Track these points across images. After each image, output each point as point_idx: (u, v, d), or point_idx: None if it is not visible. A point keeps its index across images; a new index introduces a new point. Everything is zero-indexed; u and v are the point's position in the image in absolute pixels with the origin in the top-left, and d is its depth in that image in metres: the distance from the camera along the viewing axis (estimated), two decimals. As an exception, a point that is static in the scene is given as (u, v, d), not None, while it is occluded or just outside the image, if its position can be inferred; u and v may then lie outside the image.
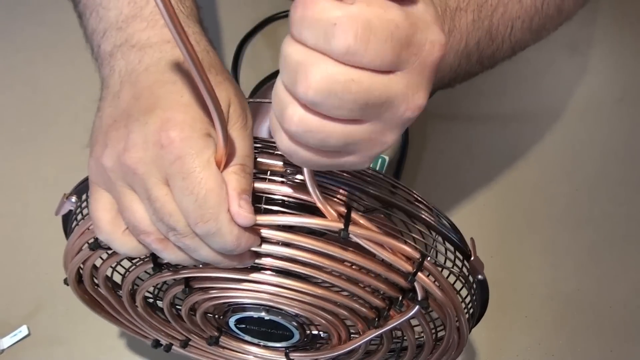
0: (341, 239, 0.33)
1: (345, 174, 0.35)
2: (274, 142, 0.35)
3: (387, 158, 0.70)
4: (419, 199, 0.37)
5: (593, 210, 0.69)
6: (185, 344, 0.49)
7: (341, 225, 0.32)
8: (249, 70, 0.75)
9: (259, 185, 0.33)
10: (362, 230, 0.33)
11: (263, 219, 0.32)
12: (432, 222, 0.36)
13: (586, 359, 0.61)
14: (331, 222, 0.32)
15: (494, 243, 0.66)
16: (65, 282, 0.44)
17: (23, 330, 0.60)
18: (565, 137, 0.73)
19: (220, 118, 0.29)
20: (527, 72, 0.77)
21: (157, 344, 0.51)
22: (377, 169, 0.70)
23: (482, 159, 0.71)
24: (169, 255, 0.33)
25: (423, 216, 0.36)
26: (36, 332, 0.60)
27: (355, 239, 0.33)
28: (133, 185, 0.32)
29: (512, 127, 0.74)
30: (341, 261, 0.35)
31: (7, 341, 0.59)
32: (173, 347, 0.51)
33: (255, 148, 0.34)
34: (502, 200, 0.69)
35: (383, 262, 0.35)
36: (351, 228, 0.32)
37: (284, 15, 0.78)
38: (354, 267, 0.36)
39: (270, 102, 0.26)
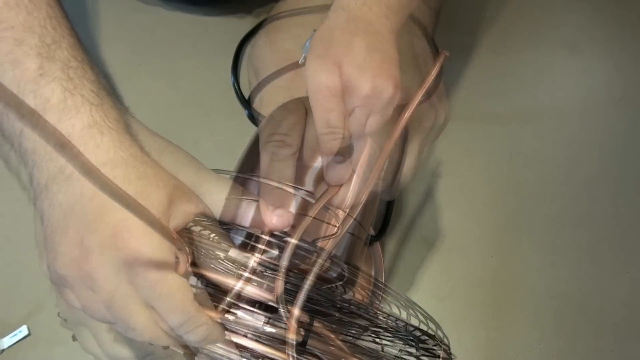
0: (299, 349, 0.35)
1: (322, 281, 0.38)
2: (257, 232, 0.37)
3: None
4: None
5: (593, 210, 0.69)
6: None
7: (299, 339, 0.35)
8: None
9: (231, 281, 0.35)
10: (320, 345, 0.36)
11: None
12: (400, 337, 0.37)
13: (586, 359, 0.61)
14: (290, 334, 0.34)
15: (494, 243, 0.66)
16: None
17: (23, 330, 0.60)
18: (565, 137, 0.73)
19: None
20: (527, 72, 0.77)
21: None
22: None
23: (482, 159, 0.71)
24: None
25: (391, 335, 0.38)
26: (36, 332, 0.60)
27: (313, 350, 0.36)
28: (93, 289, 0.33)
29: (512, 127, 0.73)
30: None
31: (7, 341, 0.59)
32: None
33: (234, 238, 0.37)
34: (502, 200, 0.69)
35: None
36: (310, 342, 0.35)
37: (284, 15, 0.78)
38: None
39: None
